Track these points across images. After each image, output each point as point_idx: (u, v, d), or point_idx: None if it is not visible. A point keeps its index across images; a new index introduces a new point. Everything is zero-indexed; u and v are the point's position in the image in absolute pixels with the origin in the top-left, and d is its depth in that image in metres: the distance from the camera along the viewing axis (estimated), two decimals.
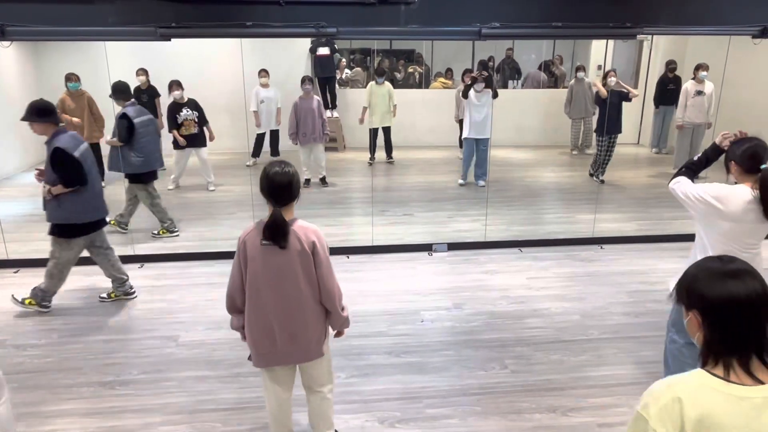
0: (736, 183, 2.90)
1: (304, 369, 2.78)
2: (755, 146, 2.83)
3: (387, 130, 9.47)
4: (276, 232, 2.47)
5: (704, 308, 1.40)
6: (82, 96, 7.50)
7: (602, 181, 8.16)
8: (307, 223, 2.58)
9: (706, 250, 2.91)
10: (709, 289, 1.39)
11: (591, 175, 8.48)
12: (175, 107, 7.49)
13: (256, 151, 9.22)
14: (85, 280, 5.09)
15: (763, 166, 2.74)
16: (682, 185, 3.00)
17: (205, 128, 7.65)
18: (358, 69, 12.31)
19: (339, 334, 2.84)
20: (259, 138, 9.07)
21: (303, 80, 7.88)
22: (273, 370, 2.74)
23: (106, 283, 5.04)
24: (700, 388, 1.33)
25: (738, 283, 1.36)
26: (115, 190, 6.71)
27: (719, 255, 1.50)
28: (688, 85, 8.15)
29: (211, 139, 7.74)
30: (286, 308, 2.57)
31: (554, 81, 11.81)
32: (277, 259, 2.51)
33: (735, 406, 1.29)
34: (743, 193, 2.78)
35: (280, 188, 2.48)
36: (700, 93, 8.02)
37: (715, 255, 1.52)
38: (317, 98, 7.95)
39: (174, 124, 7.51)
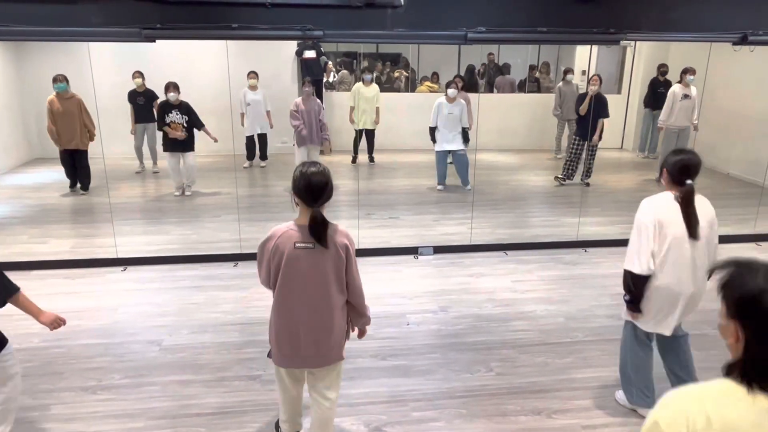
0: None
1: (316, 373, 2.75)
2: (688, 160, 2.93)
3: (371, 132, 9.50)
4: (320, 232, 2.46)
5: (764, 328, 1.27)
6: (71, 99, 7.31)
7: (587, 184, 8.23)
8: (335, 224, 2.58)
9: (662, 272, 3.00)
10: None
11: (559, 177, 8.45)
12: (165, 107, 7.40)
13: (250, 154, 9.17)
14: (66, 284, 5.03)
15: (688, 182, 2.88)
16: (630, 257, 3.04)
17: (203, 131, 7.49)
18: (345, 72, 12.31)
19: (362, 333, 2.87)
20: (249, 141, 9.04)
21: (304, 83, 7.88)
22: (290, 369, 2.75)
23: (91, 285, 4.99)
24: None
25: None
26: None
27: None
28: (675, 89, 8.20)
29: (215, 140, 7.45)
30: (315, 312, 2.58)
31: (537, 85, 11.88)
32: (312, 261, 2.50)
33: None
34: (665, 195, 2.99)
35: (319, 188, 2.47)
36: (686, 96, 8.12)
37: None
38: (318, 101, 7.76)
39: (162, 124, 7.42)
